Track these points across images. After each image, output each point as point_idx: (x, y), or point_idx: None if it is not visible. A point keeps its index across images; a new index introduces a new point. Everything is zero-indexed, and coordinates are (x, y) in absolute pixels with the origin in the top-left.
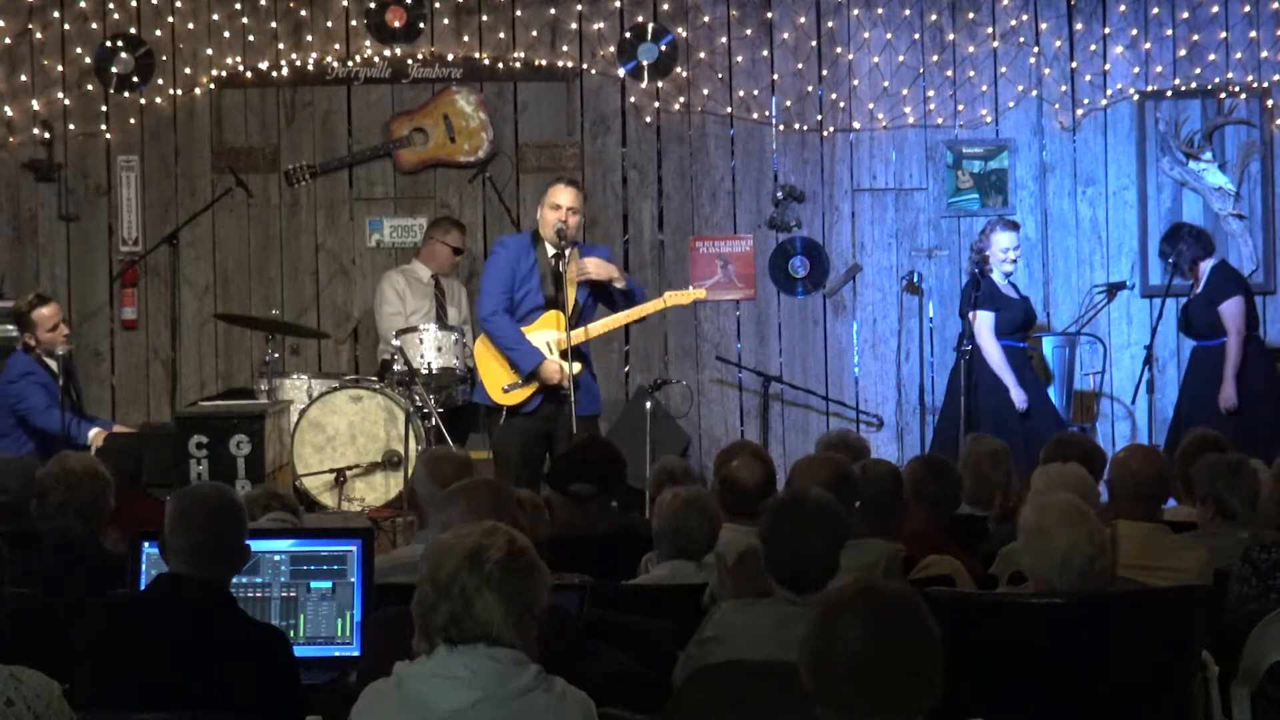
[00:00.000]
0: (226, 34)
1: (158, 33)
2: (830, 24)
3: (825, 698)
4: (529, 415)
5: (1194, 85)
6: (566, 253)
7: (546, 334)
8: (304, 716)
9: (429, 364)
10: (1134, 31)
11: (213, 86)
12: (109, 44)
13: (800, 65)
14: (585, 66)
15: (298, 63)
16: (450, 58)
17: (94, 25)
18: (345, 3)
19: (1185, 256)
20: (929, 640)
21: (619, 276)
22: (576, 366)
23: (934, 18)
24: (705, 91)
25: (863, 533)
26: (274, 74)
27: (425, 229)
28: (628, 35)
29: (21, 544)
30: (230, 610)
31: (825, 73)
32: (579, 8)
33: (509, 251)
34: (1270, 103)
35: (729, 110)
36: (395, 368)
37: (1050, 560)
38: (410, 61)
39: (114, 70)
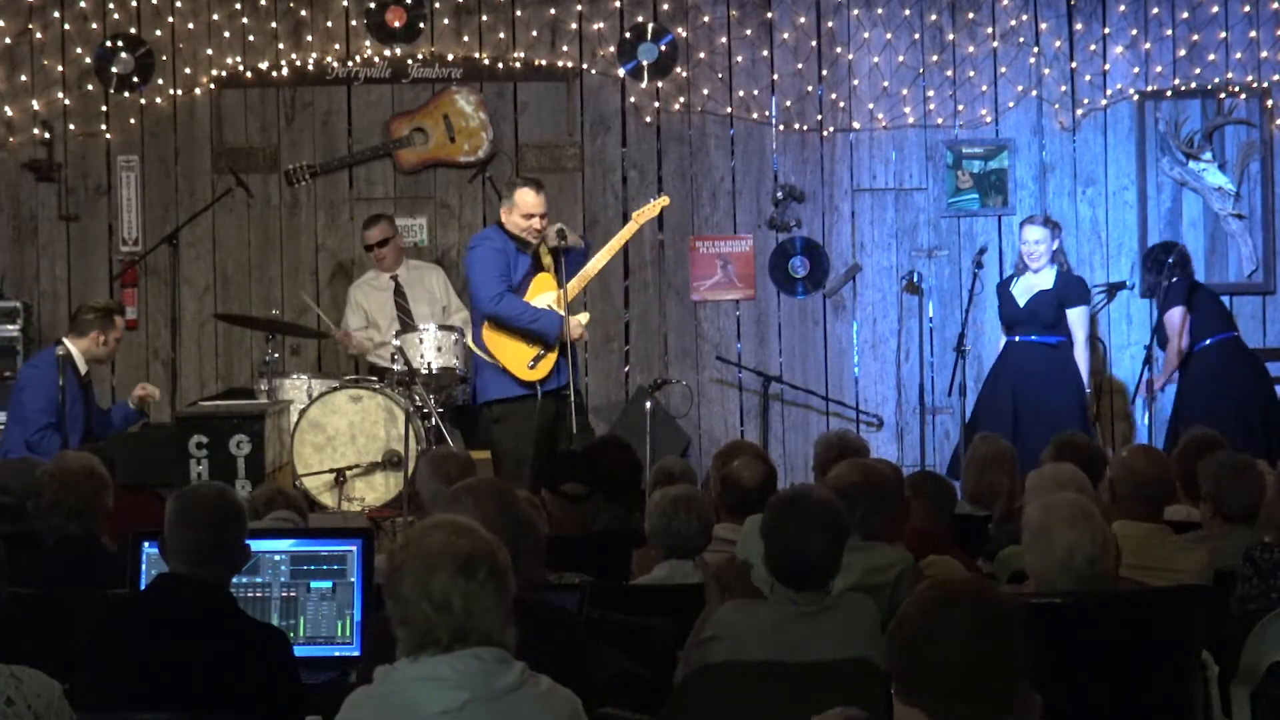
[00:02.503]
0: (226, 34)
1: (158, 33)
2: (830, 24)
3: (913, 682)
4: (540, 403)
5: (1194, 85)
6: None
7: (545, 296)
8: (304, 716)
9: (429, 364)
10: (1134, 31)
11: (213, 86)
12: (109, 44)
13: (800, 65)
14: (585, 66)
15: (298, 63)
16: (450, 58)
17: (94, 25)
18: (345, 3)
19: (1163, 283)
20: (1025, 649)
21: (576, 238)
22: (585, 316)
23: (934, 18)
24: (705, 91)
25: (869, 534)
26: (274, 74)
27: None
28: (628, 35)
29: (21, 544)
30: (230, 610)
31: (825, 73)
32: (579, 8)
33: (492, 242)
34: (1270, 103)
35: (729, 110)
36: (395, 368)
37: (1051, 559)
38: (410, 61)
39: (114, 70)
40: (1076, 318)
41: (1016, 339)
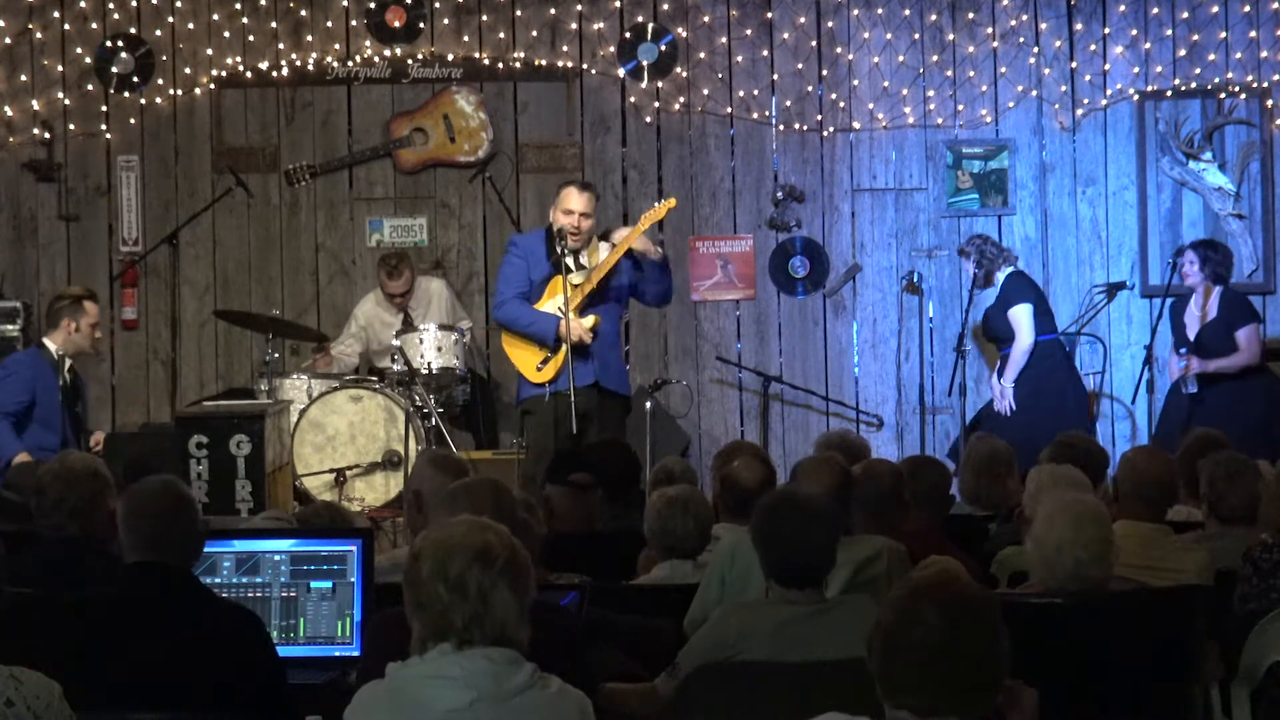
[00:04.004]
0: (226, 34)
1: (158, 33)
2: (830, 24)
3: (893, 683)
4: (564, 401)
5: (1194, 85)
6: (584, 252)
7: (556, 300)
8: (286, 696)
9: (429, 364)
10: (1134, 31)
11: (213, 86)
12: (109, 44)
13: (800, 65)
14: (585, 66)
15: (298, 63)
16: (450, 58)
17: (94, 25)
18: (345, 3)
19: (1211, 268)
20: (1001, 643)
21: (655, 249)
22: (591, 319)
23: (934, 18)
24: (705, 91)
25: (863, 530)
26: (274, 74)
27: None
28: (628, 35)
29: (23, 543)
30: (201, 591)
31: (825, 73)
32: (579, 8)
33: (520, 250)
34: (1270, 103)
35: (729, 110)
36: (395, 368)
37: (1045, 558)
38: (410, 61)
39: (114, 70)
40: (1015, 315)
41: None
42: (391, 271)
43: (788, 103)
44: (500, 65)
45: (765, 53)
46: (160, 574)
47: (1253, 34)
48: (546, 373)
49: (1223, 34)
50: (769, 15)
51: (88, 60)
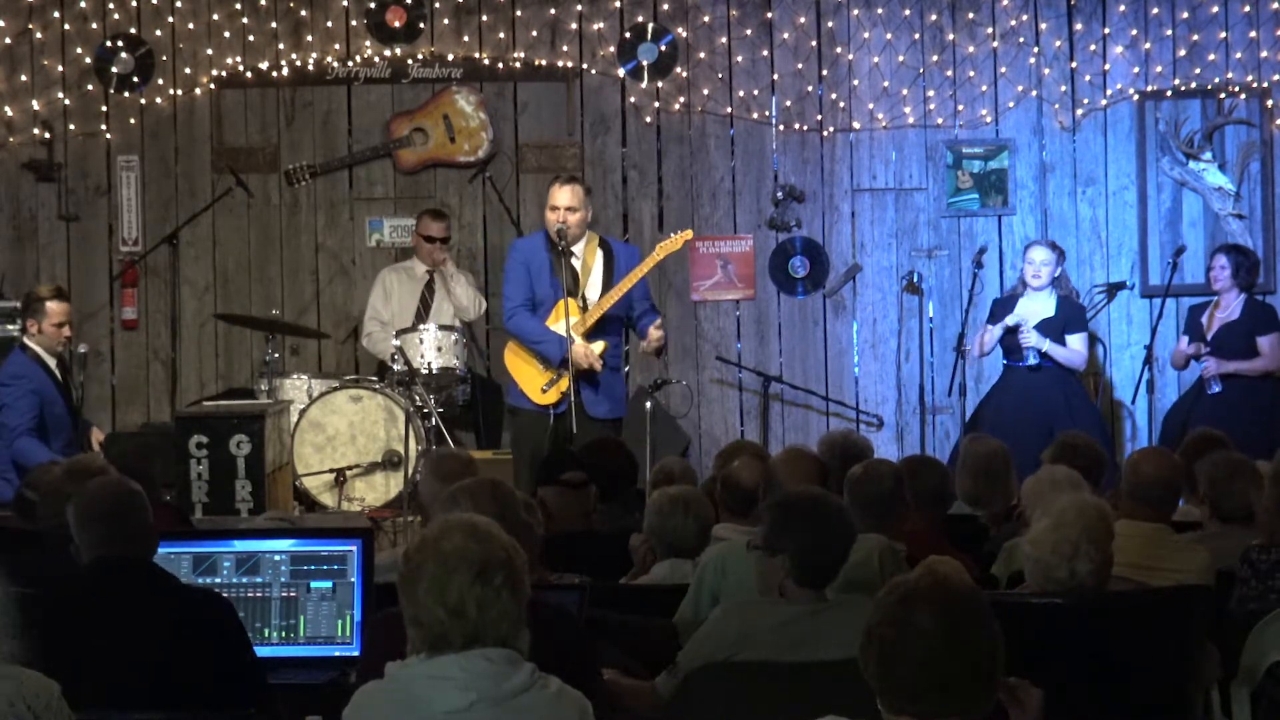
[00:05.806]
0: (226, 34)
1: (158, 33)
2: (830, 24)
3: (890, 688)
4: (551, 414)
5: (1194, 85)
6: (578, 247)
7: (563, 324)
8: (265, 679)
9: (429, 364)
10: (1134, 31)
11: (213, 86)
12: (109, 44)
13: (800, 65)
14: (585, 66)
15: (298, 63)
16: (450, 58)
17: (94, 25)
18: (345, 3)
19: (1243, 274)
20: (996, 639)
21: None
22: (600, 345)
23: (934, 18)
24: (705, 91)
25: (863, 530)
26: (274, 74)
27: None
28: (628, 35)
29: (28, 543)
30: (167, 578)
31: (825, 73)
32: (579, 8)
33: (520, 254)
34: (1270, 103)
35: (729, 110)
36: (395, 368)
37: (1052, 559)
38: (410, 61)
39: (114, 70)
40: (1078, 343)
41: (1019, 365)
42: (437, 215)
43: (788, 103)
44: (500, 65)
45: (765, 53)
46: (127, 566)
47: (1253, 34)
48: (550, 396)
49: (1223, 34)
50: (769, 15)
51: (88, 60)
